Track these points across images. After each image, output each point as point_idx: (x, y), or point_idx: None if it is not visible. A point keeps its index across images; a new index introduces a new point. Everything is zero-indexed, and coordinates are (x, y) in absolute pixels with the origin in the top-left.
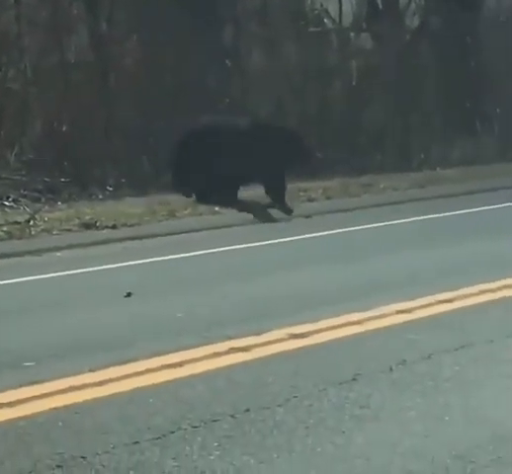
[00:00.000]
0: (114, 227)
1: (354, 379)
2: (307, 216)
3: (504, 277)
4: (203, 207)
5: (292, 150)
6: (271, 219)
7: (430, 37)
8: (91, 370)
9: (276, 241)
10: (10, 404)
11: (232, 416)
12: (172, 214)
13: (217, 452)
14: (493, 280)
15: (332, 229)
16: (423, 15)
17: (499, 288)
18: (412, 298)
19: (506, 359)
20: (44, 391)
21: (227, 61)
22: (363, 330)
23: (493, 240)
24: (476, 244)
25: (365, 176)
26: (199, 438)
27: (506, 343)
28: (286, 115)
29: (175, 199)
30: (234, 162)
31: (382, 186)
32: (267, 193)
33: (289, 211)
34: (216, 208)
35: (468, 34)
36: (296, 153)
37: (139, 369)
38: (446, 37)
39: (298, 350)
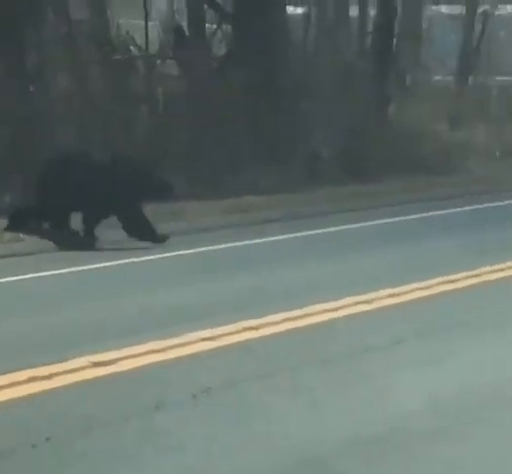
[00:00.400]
0: None
1: (157, 407)
2: None
3: (306, 306)
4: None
5: (142, 182)
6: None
7: (237, 65)
8: None
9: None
10: None
11: (33, 445)
12: None
13: None
14: (296, 308)
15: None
16: (230, 43)
17: (301, 317)
18: (217, 325)
19: (309, 387)
20: None
21: (31, 87)
22: (166, 358)
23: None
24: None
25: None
26: None
27: (311, 370)
28: (90, 141)
29: None
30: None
31: (189, 213)
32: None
33: (161, 239)
34: (21, 235)
35: (275, 63)
36: (148, 184)
37: None
38: (253, 65)
39: (101, 378)
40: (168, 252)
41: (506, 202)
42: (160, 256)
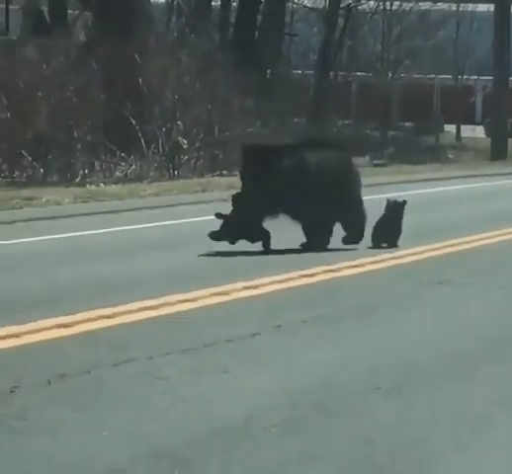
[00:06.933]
0: None
1: (11, 392)
2: None
3: (168, 294)
4: None
5: None
6: None
7: (98, 53)
8: None
9: None
10: None
11: None
12: None
13: None
14: (155, 297)
15: None
16: (91, 31)
17: (161, 305)
18: (72, 313)
19: (164, 376)
20: None
21: None
22: (21, 343)
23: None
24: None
25: (27, 189)
26: None
27: (165, 360)
28: None
29: None
30: None
31: (44, 199)
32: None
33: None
34: None
35: (135, 51)
36: None
37: None
38: (113, 53)
39: None
40: None
41: None
42: None
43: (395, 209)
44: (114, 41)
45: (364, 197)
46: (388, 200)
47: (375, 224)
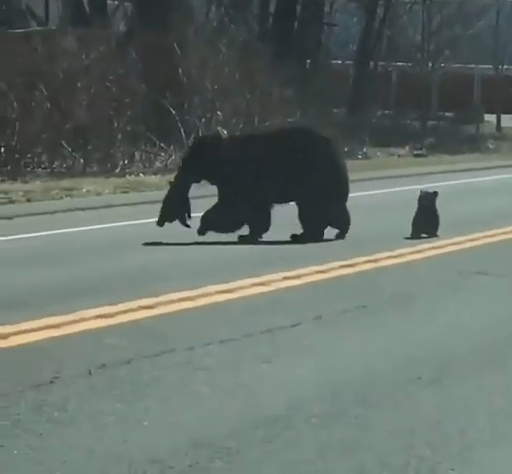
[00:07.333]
0: None
1: (52, 382)
2: (9, 218)
3: (205, 285)
4: None
5: None
6: None
7: (137, 43)
8: None
9: None
10: None
11: None
12: None
13: None
14: (194, 288)
15: (36, 232)
16: (130, 21)
17: (198, 296)
18: (114, 303)
19: (204, 367)
20: None
21: None
22: (62, 333)
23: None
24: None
25: (67, 179)
26: None
27: (205, 350)
28: None
29: None
30: None
31: (84, 190)
32: None
33: None
34: None
35: (175, 42)
36: None
37: None
38: (153, 44)
39: None
40: None
41: None
42: None
43: (428, 200)
44: (153, 32)
45: (403, 188)
46: (421, 192)
47: (414, 215)
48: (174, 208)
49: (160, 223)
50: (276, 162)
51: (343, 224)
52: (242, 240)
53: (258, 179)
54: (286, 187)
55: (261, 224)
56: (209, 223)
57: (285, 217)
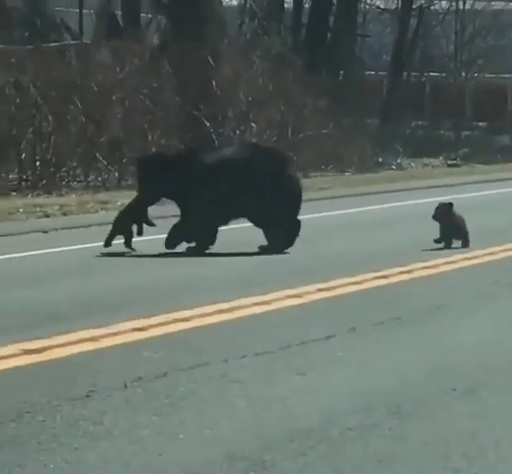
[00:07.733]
0: None
1: (88, 396)
2: (45, 232)
3: (242, 297)
4: None
5: None
6: None
7: (171, 56)
8: None
9: (9, 256)
10: None
11: None
12: None
13: None
14: (229, 300)
15: (71, 245)
16: (164, 34)
17: (234, 308)
18: (148, 316)
19: (238, 379)
20: None
21: None
22: (97, 347)
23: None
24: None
25: (102, 193)
26: None
27: (240, 362)
28: (23, 132)
29: None
30: None
31: (119, 203)
32: None
33: None
34: None
35: (209, 54)
36: None
37: None
38: (186, 56)
39: (32, 365)
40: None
41: None
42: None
43: (444, 211)
44: (187, 45)
45: (437, 198)
46: (439, 204)
47: (442, 226)
48: (123, 226)
49: (106, 244)
50: (229, 179)
51: (290, 236)
52: (189, 252)
53: (212, 195)
54: (237, 204)
55: (208, 240)
56: (170, 237)
57: (310, 230)
